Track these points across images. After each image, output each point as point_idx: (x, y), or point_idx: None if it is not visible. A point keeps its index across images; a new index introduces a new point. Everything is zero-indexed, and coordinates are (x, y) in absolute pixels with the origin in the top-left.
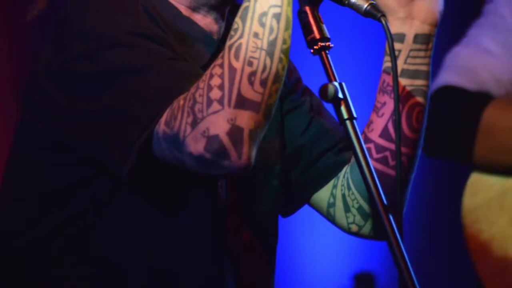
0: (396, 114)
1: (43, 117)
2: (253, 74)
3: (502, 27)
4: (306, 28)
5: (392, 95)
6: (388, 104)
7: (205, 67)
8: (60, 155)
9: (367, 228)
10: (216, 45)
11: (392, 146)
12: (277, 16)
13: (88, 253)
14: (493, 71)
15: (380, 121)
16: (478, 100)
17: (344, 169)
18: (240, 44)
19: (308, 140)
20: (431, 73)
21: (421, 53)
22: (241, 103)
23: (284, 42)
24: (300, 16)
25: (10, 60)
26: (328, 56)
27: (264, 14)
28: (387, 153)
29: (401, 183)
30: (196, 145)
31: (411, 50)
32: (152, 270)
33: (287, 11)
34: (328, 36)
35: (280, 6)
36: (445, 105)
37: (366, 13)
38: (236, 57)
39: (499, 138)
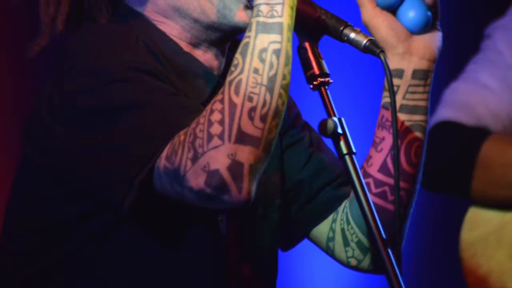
0: (395, 149)
1: (44, 151)
2: (253, 109)
3: (500, 63)
4: (305, 64)
5: (391, 130)
6: (387, 139)
7: (205, 102)
8: (60, 190)
9: (366, 262)
10: (217, 80)
11: (391, 180)
12: (277, 52)
13: (89, 287)
14: (491, 106)
15: (379, 156)
16: (476, 135)
17: (344, 203)
18: (240, 80)
19: (307, 174)
20: (429, 109)
21: (420, 89)
22: (241, 138)
23: (284, 77)
24: (299, 52)
25: (12, 96)
26: (328, 91)
27: (264, 50)
28: (386, 188)
29: (400, 217)
30: (196, 180)
31: (409, 85)
32: None
33: (287, 47)
34: (328, 71)
35: (280, 42)
36: (444, 140)
37: (365, 49)
38: (236, 92)
39: (497, 173)
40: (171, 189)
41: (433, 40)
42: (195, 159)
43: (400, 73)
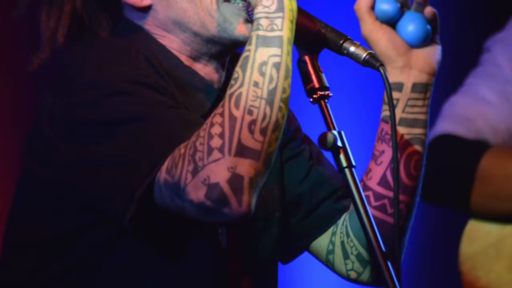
0: (395, 162)
1: (44, 164)
2: (253, 122)
3: (499, 77)
4: (305, 77)
5: (391, 144)
6: (386, 153)
7: (205, 115)
8: (60, 203)
9: (365, 275)
10: (217, 94)
11: (390, 194)
12: (277, 66)
13: None
14: (490, 119)
15: (379, 169)
16: (475, 148)
17: (343, 216)
18: (240, 93)
19: (307, 188)
20: (429, 122)
21: (419, 102)
22: (242, 151)
23: (283, 91)
24: (299, 66)
25: (14, 108)
26: (327, 105)
27: (264, 63)
28: (386, 201)
29: (399, 230)
30: (196, 193)
31: (409, 99)
32: None
33: (286, 60)
34: (327, 85)
35: (280, 56)
36: (443, 153)
37: (365, 63)
38: (237, 106)
39: (496, 186)
40: (171, 202)
41: (433, 53)
42: (195, 172)
43: (399, 87)
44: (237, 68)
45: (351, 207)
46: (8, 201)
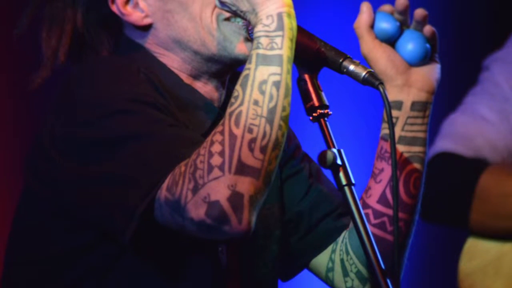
0: (394, 180)
1: (44, 182)
2: (253, 141)
3: (498, 95)
4: (305, 96)
5: (390, 162)
6: (386, 171)
7: (206, 134)
8: (61, 221)
9: None
10: (217, 112)
11: (390, 211)
12: (276, 84)
13: None
14: (489, 138)
15: (378, 187)
16: (474, 166)
17: (343, 234)
18: (240, 112)
19: (307, 205)
20: (428, 140)
21: (418, 120)
22: (242, 169)
23: (283, 109)
24: (299, 84)
25: (14, 127)
26: (327, 123)
27: (264, 82)
28: (385, 219)
29: (398, 248)
30: (197, 211)
31: (408, 117)
32: None
33: (286, 79)
34: (327, 103)
35: (280, 74)
36: (442, 171)
37: (364, 81)
38: (237, 124)
39: (495, 204)
40: (171, 219)
41: (432, 72)
42: (195, 190)
43: (399, 105)
44: (237, 87)
45: (351, 224)
46: (9, 218)
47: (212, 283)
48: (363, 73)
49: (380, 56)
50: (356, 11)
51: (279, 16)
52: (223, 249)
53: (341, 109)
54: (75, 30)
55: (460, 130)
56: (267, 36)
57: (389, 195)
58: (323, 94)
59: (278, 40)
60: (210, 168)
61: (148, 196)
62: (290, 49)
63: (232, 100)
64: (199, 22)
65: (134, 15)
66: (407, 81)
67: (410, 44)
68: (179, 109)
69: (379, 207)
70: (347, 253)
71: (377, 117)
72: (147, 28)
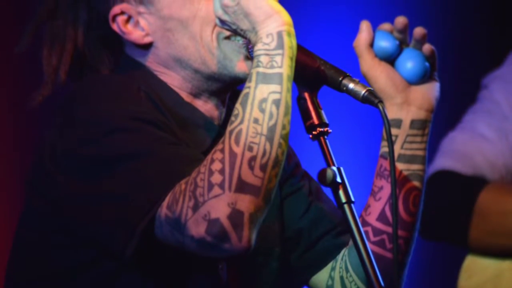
0: (393, 198)
1: (45, 199)
2: (253, 159)
3: (497, 113)
4: (305, 114)
5: (389, 180)
6: (385, 188)
7: (206, 152)
8: (61, 238)
9: None
10: (217, 130)
11: (389, 229)
12: (276, 102)
13: None
14: (488, 156)
15: (378, 205)
16: (473, 184)
17: (342, 251)
18: (240, 130)
19: (307, 223)
20: (427, 158)
21: (418, 138)
22: (242, 187)
23: (283, 127)
24: (299, 102)
25: (15, 142)
26: (327, 141)
27: (264, 100)
28: (384, 236)
29: (398, 265)
30: (197, 229)
31: (407, 135)
32: None
33: (286, 97)
34: (327, 121)
35: (280, 93)
36: (441, 189)
37: (364, 99)
38: (237, 142)
39: (494, 222)
40: (172, 237)
41: (431, 90)
42: (196, 208)
43: (398, 123)
44: (237, 105)
45: (350, 242)
46: (10, 234)
47: None
48: (362, 91)
49: (379, 75)
50: (355, 30)
51: (279, 34)
52: (223, 266)
53: (341, 127)
54: (76, 48)
55: (459, 148)
56: (267, 54)
57: (388, 213)
58: (322, 112)
59: (278, 58)
60: (210, 186)
61: (149, 214)
62: (290, 68)
63: (232, 118)
64: (199, 40)
65: (134, 34)
66: (406, 99)
67: (410, 63)
68: (180, 127)
69: (378, 224)
70: (347, 270)
71: (377, 135)
72: (147, 46)
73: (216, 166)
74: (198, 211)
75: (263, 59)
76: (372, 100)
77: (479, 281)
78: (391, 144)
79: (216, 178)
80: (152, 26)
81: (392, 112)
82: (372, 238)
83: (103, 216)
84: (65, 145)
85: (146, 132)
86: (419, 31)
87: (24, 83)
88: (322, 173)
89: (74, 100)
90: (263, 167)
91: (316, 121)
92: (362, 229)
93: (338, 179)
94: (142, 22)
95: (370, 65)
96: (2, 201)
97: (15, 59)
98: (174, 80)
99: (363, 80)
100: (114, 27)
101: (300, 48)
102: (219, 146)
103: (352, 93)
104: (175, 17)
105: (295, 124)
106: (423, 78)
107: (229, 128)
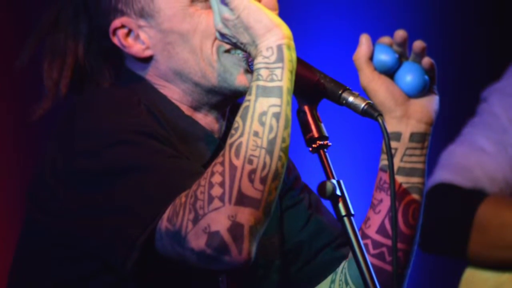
0: (393, 211)
1: (46, 212)
2: (253, 172)
3: (496, 126)
4: (305, 127)
5: (389, 193)
6: (384, 201)
7: (206, 165)
8: (62, 251)
9: None
10: (217, 143)
11: (389, 242)
12: (276, 115)
13: None
14: (487, 169)
15: (377, 218)
16: (473, 197)
17: (342, 264)
18: (240, 143)
19: (307, 236)
20: (426, 171)
21: (417, 151)
22: (242, 200)
23: (283, 140)
24: (299, 115)
25: (16, 159)
26: (326, 154)
27: (264, 113)
28: (384, 249)
29: (397, 278)
30: (197, 241)
31: (407, 148)
32: None
33: (286, 110)
34: (326, 134)
35: (280, 106)
36: (441, 202)
37: (364, 113)
38: (237, 155)
39: (493, 235)
40: (172, 250)
41: (430, 103)
42: (196, 220)
43: (397, 136)
44: (237, 118)
45: (350, 255)
46: (12, 247)
47: None
48: (362, 104)
49: (379, 88)
50: (355, 43)
51: (279, 48)
52: (224, 279)
53: (341, 140)
54: (76, 61)
55: (458, 161)
56: (267, 68)
57: (388, 226)
58: (322, 125)
59: (278, 72)
60: (211, 198)
61: (149, 227)
62: (290, 81)
63: (232, 131)
64: (199, 54)
65: (135, 47)
66: (406, 112)
67: (409, 76)
68: (180, 140)
69: (378, 237)
70: (346, 283)
71: (376, 148)
72: (148, 60)
73: (216, 179)
74: (198, 224)
75: (263, 73)
76: (372, 113)
77: None
78: (390, 157)
79: (216, 191)
80: (152, 39)
81: (391, 125)
82: (372, 251)
83: (103, 229)
84: (66, 158)
85: (146, 145)
86: (418, 44)
87: (24, 93)
88: (321, 186)
89: (74, 113)
90: (263, 180)
91: (316, 134)
92: (361, 242)
93: (338, 192)
94: (143, 35)
95: (370, 79)
96: (3, 213)
97: (15, 71)
98: (175, 93)
99: (363, 93)
100: (115, 40)
101: (300, 61)
102: (219, 159)
103: (351, 106)
104: (175, 31)
105: (295, 137)
106: (423, 91)
107: (229, 141)
